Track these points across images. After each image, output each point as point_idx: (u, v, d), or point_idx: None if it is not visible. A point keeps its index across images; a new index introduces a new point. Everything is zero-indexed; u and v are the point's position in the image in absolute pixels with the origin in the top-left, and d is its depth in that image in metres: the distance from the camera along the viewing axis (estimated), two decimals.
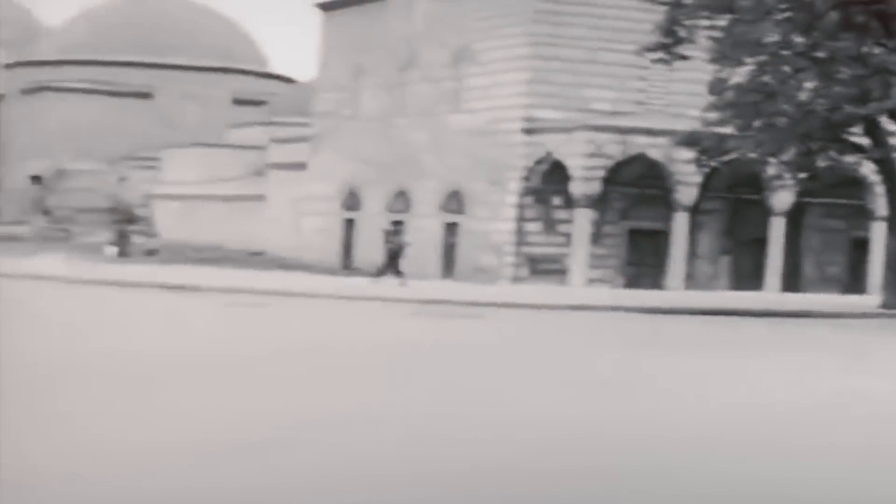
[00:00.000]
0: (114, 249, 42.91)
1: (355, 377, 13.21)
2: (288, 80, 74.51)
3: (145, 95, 71.35)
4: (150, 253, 43.51)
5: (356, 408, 10.87)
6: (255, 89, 72.03)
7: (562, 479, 8.13)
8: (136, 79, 71.87)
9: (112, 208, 60.24)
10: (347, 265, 44.43)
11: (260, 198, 51.91)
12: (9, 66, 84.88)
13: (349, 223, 45.78)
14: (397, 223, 38.83)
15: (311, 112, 49.73)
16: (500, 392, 12.29)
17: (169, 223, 56.05)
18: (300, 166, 48.90)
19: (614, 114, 37.90)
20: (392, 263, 33.73)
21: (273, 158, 52.76)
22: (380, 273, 33.59)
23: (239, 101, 71.17)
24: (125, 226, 44.05)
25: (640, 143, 36.95)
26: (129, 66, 71.92)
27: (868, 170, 32.75)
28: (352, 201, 45.79)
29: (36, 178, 66.07)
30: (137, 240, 44.64)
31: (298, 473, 7.87)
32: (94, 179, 63.92)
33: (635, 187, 38.33)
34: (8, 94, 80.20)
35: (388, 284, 31.27)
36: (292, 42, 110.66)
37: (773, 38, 26.51)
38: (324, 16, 48.02)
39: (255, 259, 46.53)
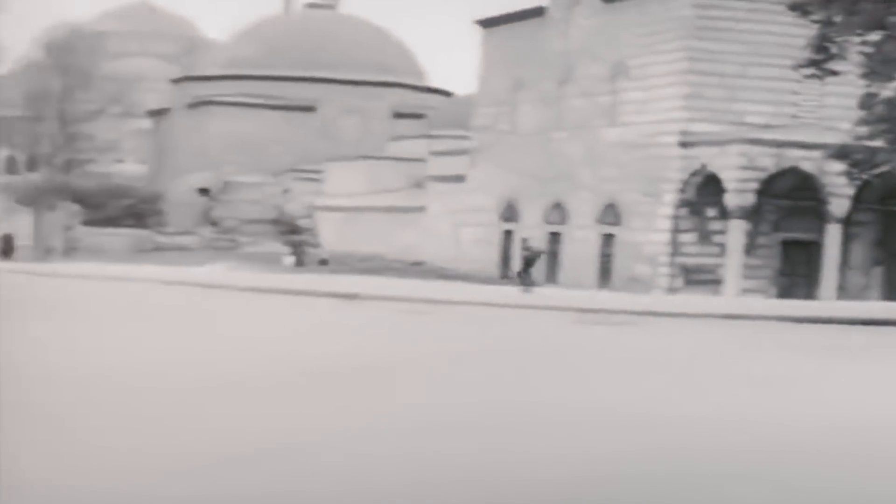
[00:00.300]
0: (291, 259, 45.39)
1: (533, 376, 14.74)
2: (446, 94, 76.76)
3: (308, 109, 74.35)
4: (322, 263, 45.90)
5: (553, 399, 12.38)
6: (414, 103, 74.44)
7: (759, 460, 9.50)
8: (299, 93, 74.93)
9: (276, 220, 63.13)
10: (505, 275, 46.19)
11: (420, 209, 54.03)
12: (175, 81, 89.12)
13: (507, 234, 47.61)
14: (526, 238, 40.24)
15: (469, 125, 51.74)
16: (681, 391, 13.54)
17: (331, 234, 58.58)
18: (459, 178, 50.92)
19: (768, 127, 39.06)
20: (525, 271, 35.57)
21: (433, 171, 54.90)
22: (522, 281, 35.46)
23: (398, 115, 73.75)
24: (301, 237, 46.58)
25: (794, 156, 38.02)
26: (292, 80, 75.01)
27: None
28: (510, 213, 47.64)
29: (203, 190, 69.31)
30: (311, 250, 47.08)
31: (525, 453, 9.25)
32: (258, 191, 66.92)
33: (788, 199, 39.40)
34: (174, 108, 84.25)
35: (529, 292, 32.99)
36: (450, 56, 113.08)
37: None
38: (483, 32, 50.01)
39: (416, 269, 48.69)
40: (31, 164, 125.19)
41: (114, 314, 22.72)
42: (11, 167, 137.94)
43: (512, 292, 33.31)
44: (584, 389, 13.36)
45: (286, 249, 47.57)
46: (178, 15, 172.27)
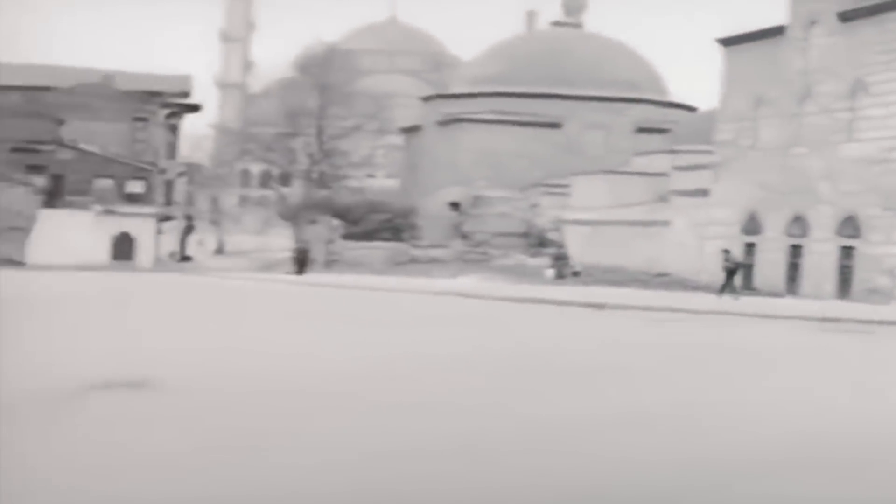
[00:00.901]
0: (552, 272, 49.06)
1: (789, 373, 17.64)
2: (689, 109, 79.33)
3: (554, 125, 78.21)
4: (574, 274, 49.38)
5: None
6: (657, 118, 77.38)
7: None
8: (545, 109, 78.87)
9: (525, 233, 67.03)
10: (747, 286, 48.79)
11: (664, 223, 56.98)
12: (425, 99, 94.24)
13: (749, 247, 50.19)
14: (727, 250, 42.84)
15: (711, 140, 54.50)
16: None
17: (577, 246, 62.06)
18: (702, 193, 53.73)
19: None
20: (729, 281, 38.93)
21: (676, 185, 57.81)
22: (722, 291, 38.84)
23: (641, 130, 76.86)
24: (561, 250, 50.15)
25: None
26: (538, 97, 78.99)
27: None
28: (751, 226, 50.23)
29: (454, 205, 73.72)
30: (568, 263, 50.50)
31: None
32: (507, 205, 70.94)
33: None
34: (425, 125, 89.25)
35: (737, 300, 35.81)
36: (694, 72, 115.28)
37: None
38: (724, 50, 52.76)
39: (660, 280, 51.76)
40: (285, 179, 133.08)
41: (408, 320, 26.65)
42: (265, 182, 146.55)
43: (754, 302, 36.02)
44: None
45: (547, 262, 51.12)
46: (424, 31, 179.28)
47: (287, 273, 54.13)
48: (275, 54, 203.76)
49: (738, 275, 40.16)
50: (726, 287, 39.23)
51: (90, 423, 10.29)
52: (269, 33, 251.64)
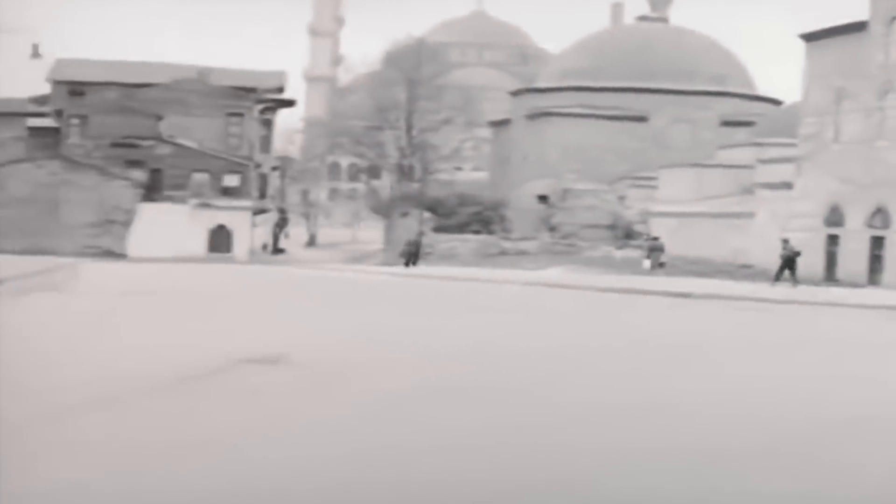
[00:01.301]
0: (648, 263, 50.91)
1: None
2: (775, 102, 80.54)
3: (640, 119, 79.89)
4: (660, 265, 51.10)
5: None
6: (743, 111, 78.72)
7: None
8: (632, 103, 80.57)
9: (612, 225, 68.85)
10: (829, 277, 50.32)
11: (748, 215, 58.54)
12: (513, 94, 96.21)
13: (832, 238, 51.66)
14: (786, 240, 44.54)
15: (796, 133, 55.95)
16: None
17: (664, 238, 63.75)
18: (786, 185, 55.22)
19: None
20: (782, 270, 41.69)
21: (761, 178, 59.32)
22: (776, 279, 40.77)
23: (727, 123, 78.27)
24: (658, 242, 51.90)
25: None
26: (625, 91, 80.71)
27: None
28: (834, 218, 51.69)
29: (542, 198, 75.62)
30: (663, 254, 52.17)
31: None
32: (594, 198, 72.71)
33: None
34: (514, 118, 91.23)
35: (781, 290, 37.59)
36: (780, 65, 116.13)
37: None
38: (807, 46, 54.19)
39: (744, 272, 53.33)
40: (373, 172, 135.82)
41: (518, 310, 28.79)
42: (354, 175, 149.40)
43: (840, 293, 37.63)
44: None
45: (644, 252, 52.84)
46: (511, 24, 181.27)
47: (398, 265, 56.03)
48: (363, 48, 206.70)
49: (796, 264, 41.89)
50: (781, 275, 41.65)
51: (241, 390, 12.55)
52: (357, 27, 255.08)
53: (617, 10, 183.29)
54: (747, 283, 44.12)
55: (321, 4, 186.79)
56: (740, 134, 74.95)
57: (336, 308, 26.61)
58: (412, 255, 55.31)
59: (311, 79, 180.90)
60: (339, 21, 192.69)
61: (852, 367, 17.16)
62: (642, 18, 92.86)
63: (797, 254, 42.17)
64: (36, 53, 47.39)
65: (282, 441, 9.52)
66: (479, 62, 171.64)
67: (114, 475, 8.13)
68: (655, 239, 53.30)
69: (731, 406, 12.45)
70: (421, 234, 61.71)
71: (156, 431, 9.98)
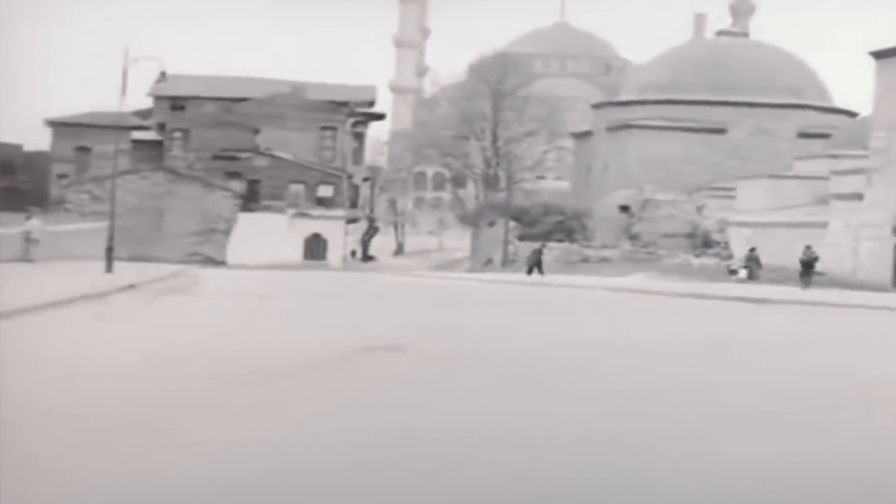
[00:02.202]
0: (745, 272, 53.86)
1: None
2: (850, 114, 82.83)
3: (719, 131, 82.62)
4: (731, 272, 53.92)
5: None
6: (819, 123, 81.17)
7: None
8: (711, 115, 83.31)
9: (691, 234, 71.67)
10: None
11: (822, 225, 61.10)
12: (595, 106, 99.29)
13: None
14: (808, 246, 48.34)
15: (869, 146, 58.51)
16: None
17: (740, 247, 66.44)
18: (857, 196, 57.79)
19: None
20: (804, 273, 46.97)
21: (834, 189, 61.88)
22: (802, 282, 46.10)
23: (803, 135, 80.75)
24: (754, 252, 55.03)
25: None
26: (704, 104, 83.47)
27: None
28: None
29: (623, 208, 78.60)
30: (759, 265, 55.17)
31: None
32: (674, 208, 75.57)
33: None
34: (595, 130, 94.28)
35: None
36: (855, 75, 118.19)
37: None
38: (877, 63, 56.77)
39: (818, 279, 55.98)
40: (458, 181, 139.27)
41: (607, 312, 32.11)
42: (439, 184, 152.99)
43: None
44: None
45: (740, 263, 55.66)
46: (594, 35, 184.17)
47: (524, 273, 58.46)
48: (447, 57, 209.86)
49: (814, 268, 48.01)
50: (804, 276, 47.21)
51: (380, 370, 15.96)
52: (441, 37, 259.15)
53: (699, 20, 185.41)
54: (818, 290, 46.87)
55: (406, 16, 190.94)
56: (816, 145, 77.37)
57: (435, 308, 30.04)
58: (536, 264, 57.81)
59: (396, 90, 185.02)
60: (425, 32, 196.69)
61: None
62: (721, 33, 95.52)
63: (816, 259, 47.46)
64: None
65: (421, 401, 12.82)
66: (562, 73, 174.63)
67: (323, 416, 11.46)
68: (752, 250, 56.11)
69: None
70: (543, 245, 64.31)
71: (339, 389, 13.48)
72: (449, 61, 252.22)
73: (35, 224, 42.32)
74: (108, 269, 36.96)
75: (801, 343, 22.58)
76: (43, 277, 31.55)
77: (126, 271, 38.07)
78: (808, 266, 47.52)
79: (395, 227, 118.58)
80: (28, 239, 41.16)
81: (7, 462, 8.64)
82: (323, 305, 30.18)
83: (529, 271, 57.01)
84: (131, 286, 31.34)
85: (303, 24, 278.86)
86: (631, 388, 14.37)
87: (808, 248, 48.91)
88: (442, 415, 11.77)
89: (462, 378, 15.12)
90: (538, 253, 58.78)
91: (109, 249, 38.36)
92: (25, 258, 40.43)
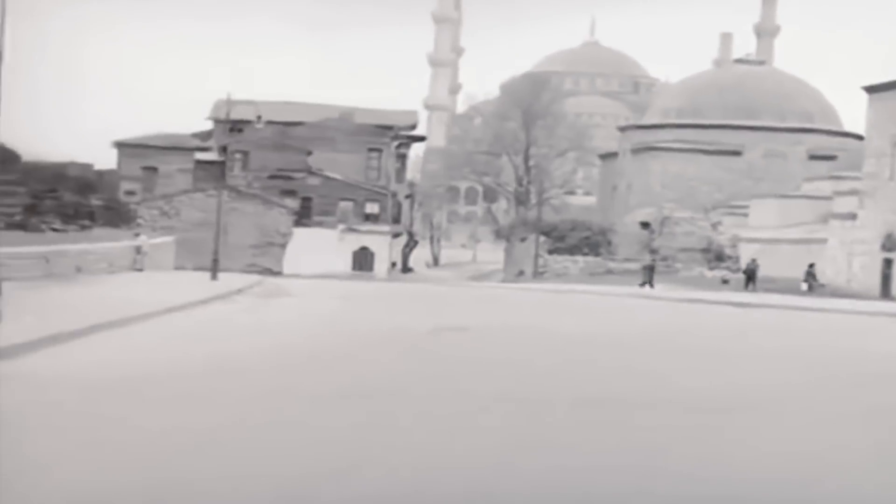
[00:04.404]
0: (805, 285, 61.89)
1: None
2: (858, 138, 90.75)
3: (735, 153, 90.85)
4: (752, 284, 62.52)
5: None
6: (829, 146, 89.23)
7: None
8: (728, 138, 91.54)
9: (705, 248, 79.91)
10: (885, 294, 60.97)
11: (821, 241, 69.24)
12: (621, 129, 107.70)
13: (887, 262, 62.33)
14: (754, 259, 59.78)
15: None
16: None
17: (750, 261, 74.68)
18: (851, 216, 65.96)
19: None
20: (747, 281, 59.42)
21: (833, 209, 70.05)
22: (745, 286, 57.92)
23: (813, 157, 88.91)
24: (812, 269, 63.44)
25: None
26: (721, 128, 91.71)
27: None
28: (889, 244, 62.34)
29: (644, 224, 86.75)
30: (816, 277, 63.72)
31: None
32: (691, 225, 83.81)
33: None
34: (621, 152, 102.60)
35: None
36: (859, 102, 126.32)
37: None
38: (869, 97, 65.00)
39: (820, 289, 64.06)
40: (490, 196, 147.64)
41: (622, 311, 40.44)
42: (471, 199, 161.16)
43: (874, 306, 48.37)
44: None
45: (801, 276, 63.29)
46: (622, 54, 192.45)
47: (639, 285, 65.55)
48: (480, 76, 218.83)
49: (755, 276, 60.32)
50: (748, 284, 59.88)
51: (454, 339, 24.35)
52: (474, 55, 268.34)
53: (726, 39, 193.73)
54: (807, 298, 55.00)
55: (441, 36, 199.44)
56: (825, 167, 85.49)
57: (483, 307, 38.43)
58: (651, 276, 64.56)
59: (431, 107, 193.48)
60: (459, 51, 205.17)
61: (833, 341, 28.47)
62: (738, 61, 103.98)
63: (755, 269, 60.47)
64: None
65: (483, 357, 21.14)
66: (591, 91, 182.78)
67: (433, 356, 19.81)
68: (753, 261, 64.05)
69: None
70: (654, 260, 71.26)
71: (435, 344, 21.94)
72: (481, 79, 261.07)
73: (143, 239, 51.12)
74: (214, 276, 45.53)
75: (737, 330, 31.03)
76: (168, 284, 39.98)
77: (224, 280, 46.43)
78: (751, 273, 60.98)
79: (431, 241, 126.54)
80: (139, 251, 49.81)
81: (258, 376, 17.16)
82: (394, 304, 38.54)
83: (643, 284, 63.54)
84: (240, 290, 39.85)
85: (341, 47, 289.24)
86: (620, 346, 22.85)
87: (753, 259, 62.74)
88: (489, 356, 20.27)
89: (503, 343, 23.58)
90: (650, 269, 65.05)
91: (215, 261, 46.96)
92: (135, 268, 48.99)
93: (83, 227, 45.74)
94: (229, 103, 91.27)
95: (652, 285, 63.49)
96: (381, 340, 22.88)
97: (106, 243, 46.30)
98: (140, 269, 48.72)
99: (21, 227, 44.20)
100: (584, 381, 17.39)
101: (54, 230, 38.95)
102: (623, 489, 9.83)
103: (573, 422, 13.34)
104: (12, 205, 47.61)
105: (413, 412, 13.46)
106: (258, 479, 9.55)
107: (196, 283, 41.56)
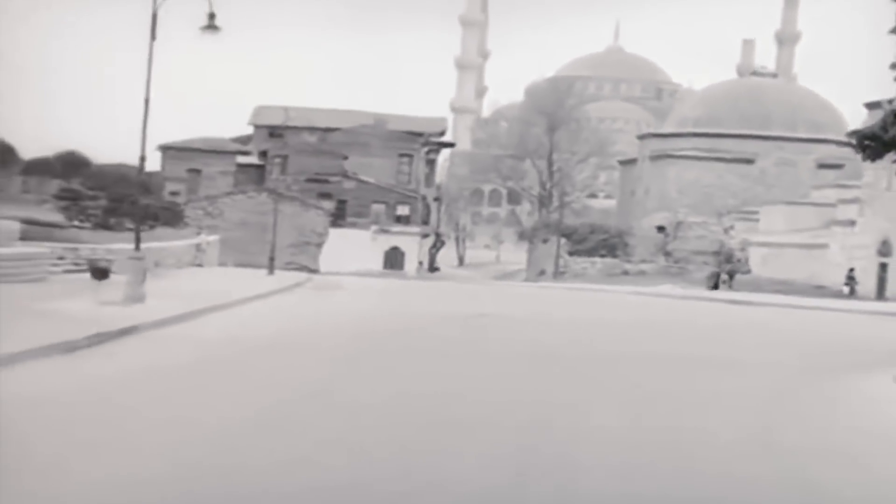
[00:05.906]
0: (847, 289, 67.53)
1: None
2: None
3: (748, 161, 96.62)
4: (729, 281, 68.24)
5: None
6: (838, 154, 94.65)
7: None
8: (742, 147, 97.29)
9: (717, 252, 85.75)
10: (880, 296, 66.78)
11: (823, 246, 75.04)
12: (640, 137, 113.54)
13: (882, 266, 68.17)
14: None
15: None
16: None
17: (757, 264, 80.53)
18: (851, 223, 71.77)
19: None
20: (727, 280, 64.12)
21: (836, 215, 75.84)
22: (715, 286, 62.15)
23: (822, 165, 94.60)
24: (853, 272, 68.56)
25: None
26: (735, 137, 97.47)
27: None
28: (885, 249, 68.17)
29: (660, 228, 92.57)
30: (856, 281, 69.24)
31: None
32: (703, 229, 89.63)
33: None
34: (640, 159, 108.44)
35: None
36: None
37: None
38: (868, 113, 70.77)
39: (817, 291, 69.86)
40: (513, 198, 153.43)
41: (636, 307, 46.43)
42: (495, 200, 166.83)
43: (866, 305, 54.17)
44: None
45: (843, 280, 68.85)
46: (645, 59, 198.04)
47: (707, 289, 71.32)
48: (505, 80, 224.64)
49: (720, 278, 67.43)
50: (718, 284, 65.84)
51: (489, 323, 30.42)
52: (499, 58, 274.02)
53: (748, 46, 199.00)
54: (803, 298, 60.83)
55: (468, 40, 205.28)
56: (833, 175, 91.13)
57: (511, 301, 44.45)
58: (715, 284, 70.38)
59: (457, 110, 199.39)
60: (485, 55, 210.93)
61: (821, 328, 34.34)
62: (753, 73, 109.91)
63: (734, 272, 67.56)
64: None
65: (516, 334, 27.13)
66: (614, 96, 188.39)
67: (472, 333, 25.85)
68: (851, 270, 68.97)
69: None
70: (721, 265, 77.59)
71: (470, 327, 28.02)
72: (506, 82, 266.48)
73: (204, 237, 57.41)
74: (270, 272, 51.80)
75: (707, 322, 37.04)
76: (233, 279, 46.06)
77: (277, 276, 52.60)
78: (730, 275, 68.76)
79: (457, 241, 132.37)
80: (199, 249, 55.99)
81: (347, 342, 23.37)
82: (433, 297, 44.56)
83: (715, 286, 69.21)
84: (297, 284, 46.03)
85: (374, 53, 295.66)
86: (616, 328, 28.95)
87: (738, 261, 71.87)
88: (521, 334, 26.44)
89: (531, 326, 29.71)
90: (717, 275, 71.16)
91: (272, 259, 53.24)
92: (195, 263, 55.14)
93: (151, 227, 51.52)
94: (268, 110, 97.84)
95: (716, 287, 69.15)
96: (440, 321, 29.05)
97: (175, 241, 52.30)
98: (200, 265, 54.84)
99: (106, 227, 50.27)
100: (584, 348, 23.57)
101: (128, 230, 44.33)
102: (597, 407, 15.96)
103: (570, 368, 19.58)
104: (96, 207, 53.75)
105: (483, 360, 19.92)
106: (390, 393, 15.74)
107: (254, 278, 47.66)
